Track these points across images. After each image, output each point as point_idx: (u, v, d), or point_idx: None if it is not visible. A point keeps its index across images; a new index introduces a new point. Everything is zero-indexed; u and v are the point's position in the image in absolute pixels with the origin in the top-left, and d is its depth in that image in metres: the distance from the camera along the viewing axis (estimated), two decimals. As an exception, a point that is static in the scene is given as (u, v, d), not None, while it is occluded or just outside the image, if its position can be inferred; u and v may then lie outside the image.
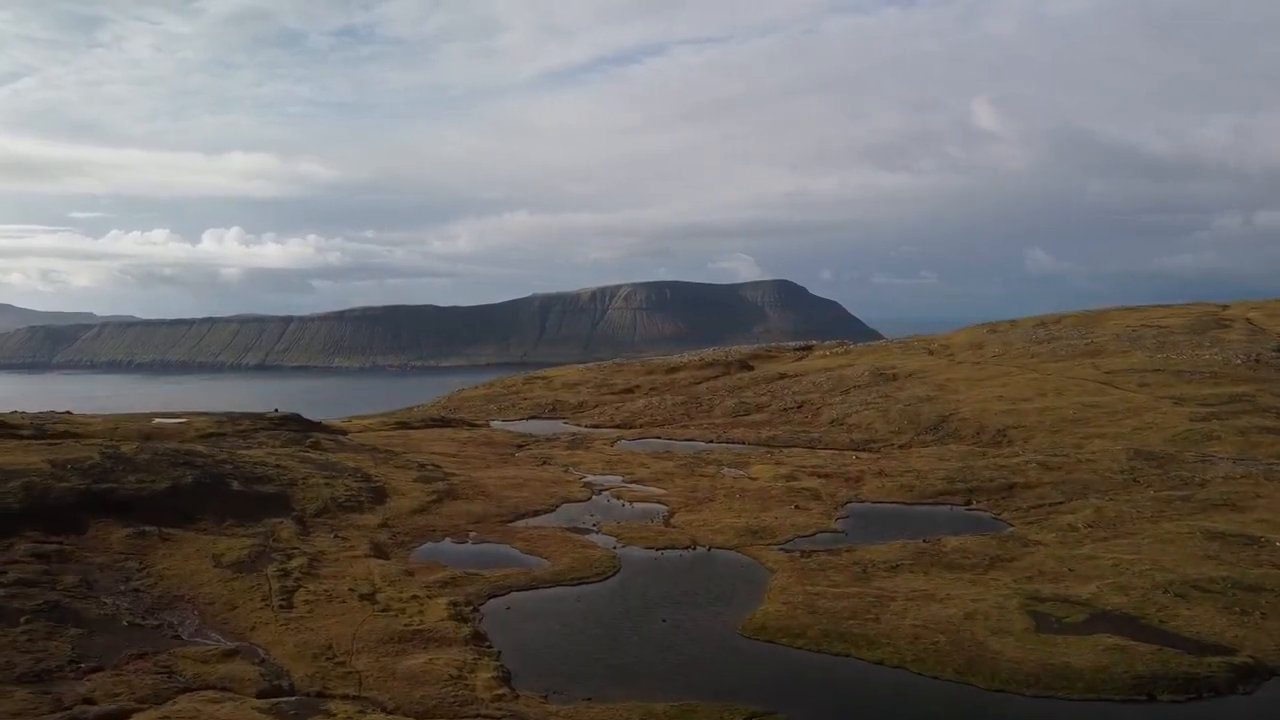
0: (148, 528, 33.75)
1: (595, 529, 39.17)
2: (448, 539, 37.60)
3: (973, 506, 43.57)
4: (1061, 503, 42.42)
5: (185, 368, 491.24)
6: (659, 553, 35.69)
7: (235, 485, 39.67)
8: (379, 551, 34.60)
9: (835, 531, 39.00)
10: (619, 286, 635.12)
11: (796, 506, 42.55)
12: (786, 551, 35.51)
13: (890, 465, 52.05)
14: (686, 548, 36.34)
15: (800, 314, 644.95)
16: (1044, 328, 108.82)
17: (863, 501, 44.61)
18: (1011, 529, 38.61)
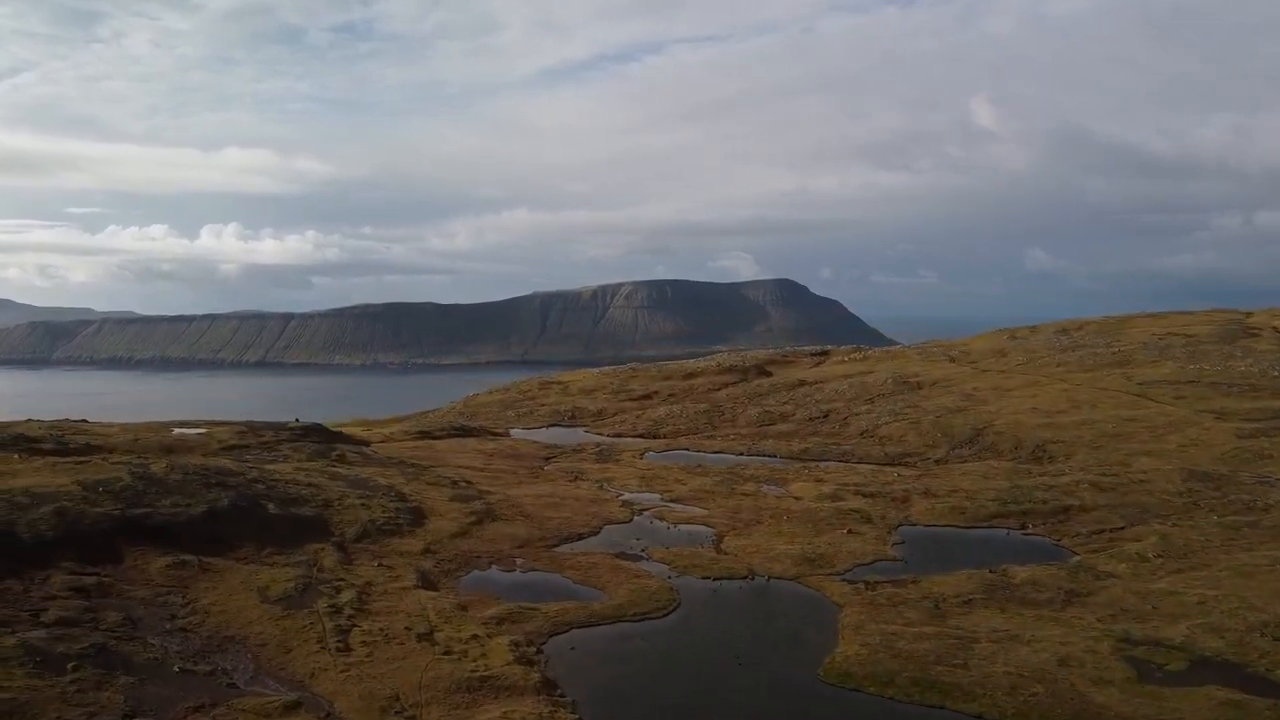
0: (186, 556, 32.30)
1: (644, 555, 37.77)
2: (494, 566, 36.17)
3: (1029, 531, 42.20)
4: (1123, 528, 41.06)
5: (186, 364, 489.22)
6: (716, 583, 34.29)
7: (271, 508, 38.23)
8: (427, 582, 33.18)
9: (894, 559, 37.60)
10: (620, 285, 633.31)
11: (849, 531, 41.15)
12: (849, 582, 34.13)
13: (935, 484, 50.66)
14: (744, 578, 34.94)
15: (802, 313, 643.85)
16: (1066, 335, 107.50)
17: (914, 525, 43.22)
18: (1077, 558, 37.20)
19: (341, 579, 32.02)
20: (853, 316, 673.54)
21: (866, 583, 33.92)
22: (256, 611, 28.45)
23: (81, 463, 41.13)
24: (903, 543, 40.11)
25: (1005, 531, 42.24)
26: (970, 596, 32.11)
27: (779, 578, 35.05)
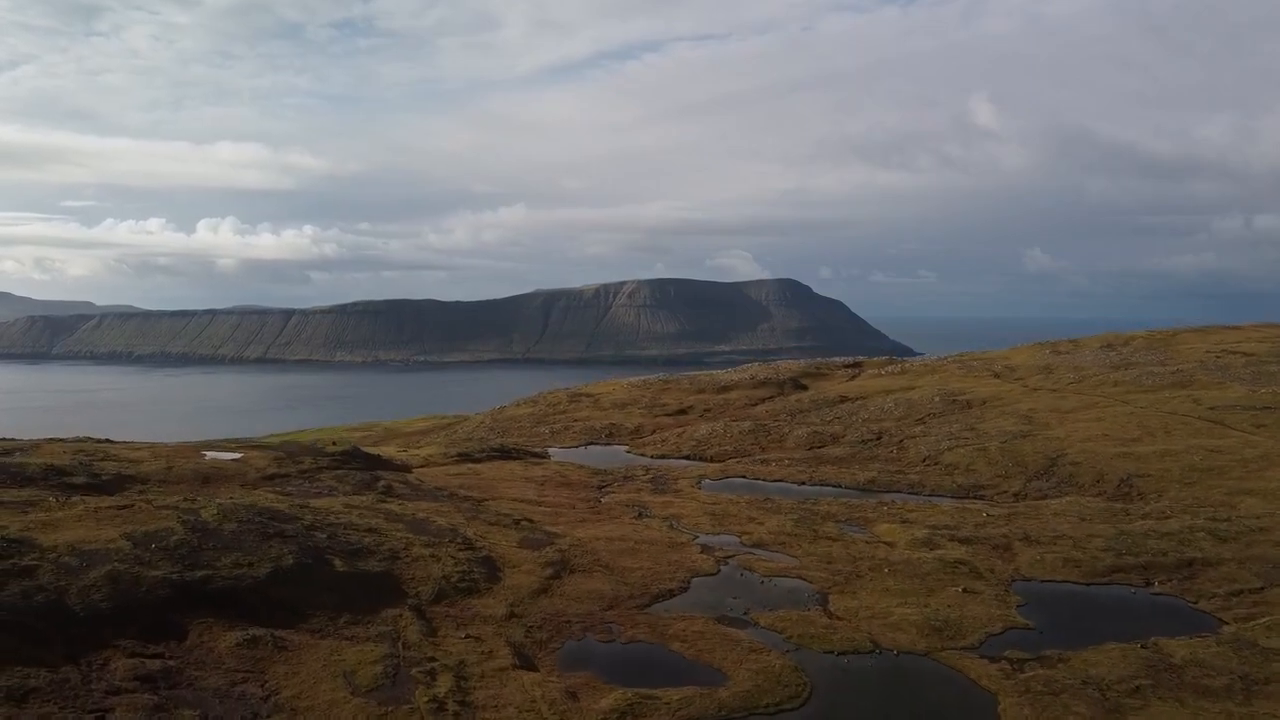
0: (257, 631, 28.77)
1: (749, 620, 34.29)
2: (588, 634, 32.66)
3: (1156, 589, 38.77)
4: (1261, 589, 37.63)
5: (186, 360, 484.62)
6: (842, 659, 30.83)
7: (338, 564, 34.71)
8: (523, 658, 29.70)
9: (1026, 627, 34.11)
10: (623, 284, 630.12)
11: (964, 590, 37.72)
12: (989, 659, 30.70)
13: (1031, 527, 47.20)
14: (870, 652, 31.50)
15: (805, 313, 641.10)
16: (1113, 350, 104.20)
17: (1028, 580, 39.78)
18: (1229, 628, 33.76)
19: (432, 658, 28.51)
20: (856, 317, 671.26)
21: (1012, 661, 30.48)
22: (349, 708, 24.90)
23: (124, 508, 37.52)
24: (1026, 604, 36.63)
25: (1130, 589, 38.81)
26: (1135, 681, 28.69)
27: (907, 651, 31.61)
